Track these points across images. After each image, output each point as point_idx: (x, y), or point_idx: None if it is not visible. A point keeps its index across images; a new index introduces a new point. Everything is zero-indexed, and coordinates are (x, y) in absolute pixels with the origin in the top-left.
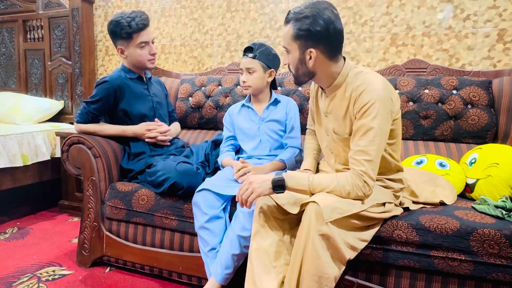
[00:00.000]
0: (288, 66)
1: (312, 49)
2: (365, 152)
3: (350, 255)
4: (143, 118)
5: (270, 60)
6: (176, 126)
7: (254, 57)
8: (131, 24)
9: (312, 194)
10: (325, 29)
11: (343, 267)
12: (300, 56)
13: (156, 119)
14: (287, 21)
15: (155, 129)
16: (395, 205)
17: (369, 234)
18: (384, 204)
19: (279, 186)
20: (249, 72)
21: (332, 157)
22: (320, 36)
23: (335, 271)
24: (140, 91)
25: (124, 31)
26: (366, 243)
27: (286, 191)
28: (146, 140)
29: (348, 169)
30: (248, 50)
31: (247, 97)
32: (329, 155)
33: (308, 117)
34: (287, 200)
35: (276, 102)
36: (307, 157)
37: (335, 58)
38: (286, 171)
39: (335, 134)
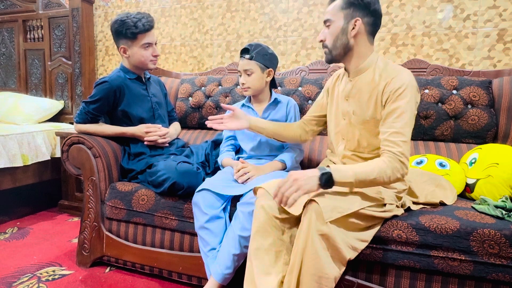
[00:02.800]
0: (323, 43)
1: (358, 18)
2: (401, 133)
3: (351, 255)
4: (142, 118)
5: (267, 59)
6: (176, 126)
7: (251, 58)
8: (137, 25)
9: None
10: (374, 2)
11: (343, 268)
12: (344, 25)
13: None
14: None
15: (155, 132)
16: (397, 206)
17: (369, 234)
18: (385, 204)
19: (326, 181)
20: (247, 74)
21: (342, 143)
22: (369, 7)
23: (335, 271)
24: (139, 91)
25: (130, 31)
26: (366, 244)
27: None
28: (145, 143)
29: (357, 155)
30: (244, 51)
31: (247, 97)
32: (338, 142)
33: (310, 108)
34: None
35: (276, 102)
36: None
37: (372, 37)
38: (287, 171)
39: (354, 116)
